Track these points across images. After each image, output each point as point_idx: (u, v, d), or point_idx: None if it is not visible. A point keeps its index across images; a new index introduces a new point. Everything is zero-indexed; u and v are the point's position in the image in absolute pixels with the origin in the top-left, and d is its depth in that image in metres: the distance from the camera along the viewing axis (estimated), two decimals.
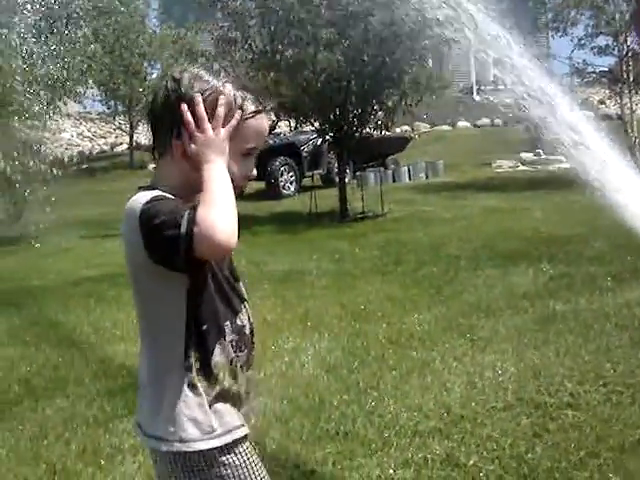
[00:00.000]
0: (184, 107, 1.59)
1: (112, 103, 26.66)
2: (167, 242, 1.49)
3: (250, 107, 1.66)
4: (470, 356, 4.60)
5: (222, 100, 1.61)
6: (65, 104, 18.31)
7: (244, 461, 1.66)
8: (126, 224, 1.60)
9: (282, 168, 16.05)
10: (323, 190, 14.41)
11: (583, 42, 17.26)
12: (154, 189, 1.62)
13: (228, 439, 1.64)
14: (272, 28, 11.74)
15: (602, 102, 26.28)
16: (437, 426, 3.56)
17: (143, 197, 1.58)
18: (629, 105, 16.71)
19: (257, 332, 1.80)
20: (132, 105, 25.35)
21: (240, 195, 1.63)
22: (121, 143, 28.97)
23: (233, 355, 1.68)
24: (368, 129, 12.56)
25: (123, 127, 26.74)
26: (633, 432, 3.31)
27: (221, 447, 1.63)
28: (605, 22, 16.55)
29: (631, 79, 16.61)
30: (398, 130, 19.48)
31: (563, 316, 5.26)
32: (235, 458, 1.65)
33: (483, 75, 29.68)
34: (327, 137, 12.95)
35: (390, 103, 12.24)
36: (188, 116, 1.59)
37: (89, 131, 31.88)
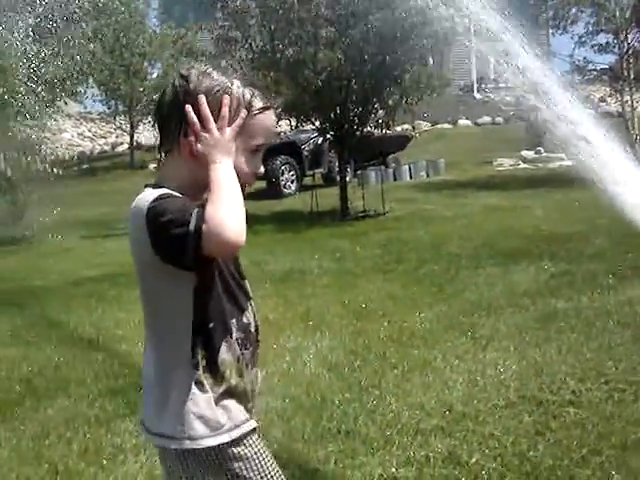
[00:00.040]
0: (188, 108, 1.59)
1: (112, 103, 26.64)
2: (175, 240, 1.50)
3: (258, 103, 1.66)
4: (472, 354, 4.60)
5: (227, 100, 1.61)
6: (66, 104, 18.32)
7: (255, 452, 1.68)
8: (133, 222, 1.60)
9: (283, 167, 16.04)
10: (324, 189, 14.42)
11: (584, 40, 17.25)
12: (160, 187, 1.62)
13: (236, 434, 1.65)
14: (272, 27, 11.74)
15: (603, 100, 26.25)
16: (439, 424, 3.56)
17: (150, 195, 1.58)
18: (630, 102, 16.69)
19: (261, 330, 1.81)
20: (132, 105, 25.35)
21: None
22: (122, 143, 28.95)
23: (239, 353, 1.68)
24: (369, 128, 12.55)
25: (124, 127, 26.73)
26: (635, 429, 3.30)
27: (230, 442, 1.64)
28: (605, 19, 16.53)
29: (632, 76, 16.59)
30: (399, 129, 19.44)
31: (564, 314, 5.26)
32: (246, 450, 1.66)
33: (484, 73, 29.66)
34: (328, 136, 12.96)
35: (391, 102, 12.24)
36: (193, 116, 1.59)
37: (90, 131, 31.88)
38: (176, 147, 1.64)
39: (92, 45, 19.18)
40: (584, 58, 17.41)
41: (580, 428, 3.38)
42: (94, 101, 26.66)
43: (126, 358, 5.19)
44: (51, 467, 3.53)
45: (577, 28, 17.32)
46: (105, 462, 3.52)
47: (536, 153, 19.00)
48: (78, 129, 31.60)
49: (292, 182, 16.45)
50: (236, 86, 1.64)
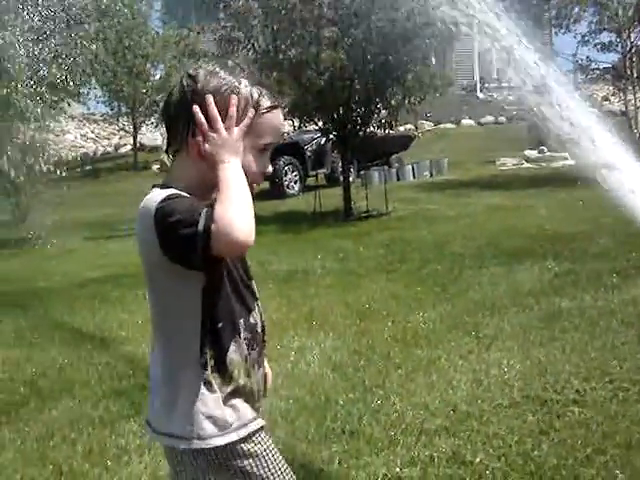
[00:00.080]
0: (196, 108, 1.58)
1: (115, 104, 26.72)
2: (184, 240, 1.50)
3: (266, 102, 1.66)
4: (476, 354, 4.59)
5: (235, 99, 1.61)
6: (69, 105, 18.35)
7: (264, 450, 1.69)
8: (141, 223, 1.60)
9: (286, 167, 16.06)
10: (327, 189, 14.43)
11: (587, 39, 17.24)
12: (168, 187, 1.62)
13: (245, 432, 1.65)
14: (275, 28, 11.74)
15: (606, 99, 26.23)
16: (443, 424, 3.55)
17: (158, 195, 1.58)
18: (633, 101, 16.68)
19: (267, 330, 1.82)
20: (135, 106, 25.42)
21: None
22: (125, 144, 29.02)
23: (247, 352, 1.69)
24: (372, 128, 12.55)
25: (127, 128, 26.80)
26: (639, 429, 3.30)
27: (239, 440, 1.64)
28: (608, 18, 16.52)
29: (635, 75, 16.58)
30: (402, 129, 19.44)
31: (568, 313, 5.25)
32: (256, 448, 1.67)
33: (487, 73, 29.66)
34: (331, 136, 12.95)
35: (393, 102, 12.23)
36: (201, 116, 1.59)
37: (93, 132, 31.96)
38: (184, 147, 1.64)
39: (95, 47, 19.20)
40: (587, 57, 17.41)
41: (584, 427, 3.37)
42: (97, 102, 26.81)
43: (130, 359, 5.20)
44: (55, 468, 3.54)
45: (580, 27, 17.33)
46: (109, 463, 3.53)
47: (539, 152, 18.98)
48: (81, 130, 31.69)
49: (295, 182, 16.46)
50: (244, 85, 1.64)
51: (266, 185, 15.26)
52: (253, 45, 12.00)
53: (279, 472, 1.70)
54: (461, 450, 3.26)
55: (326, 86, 11.63)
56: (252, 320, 1.73)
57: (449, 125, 27.01)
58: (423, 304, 6.01)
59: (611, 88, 20.16)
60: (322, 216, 12.18)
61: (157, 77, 25.74)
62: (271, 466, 1.69)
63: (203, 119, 1.59)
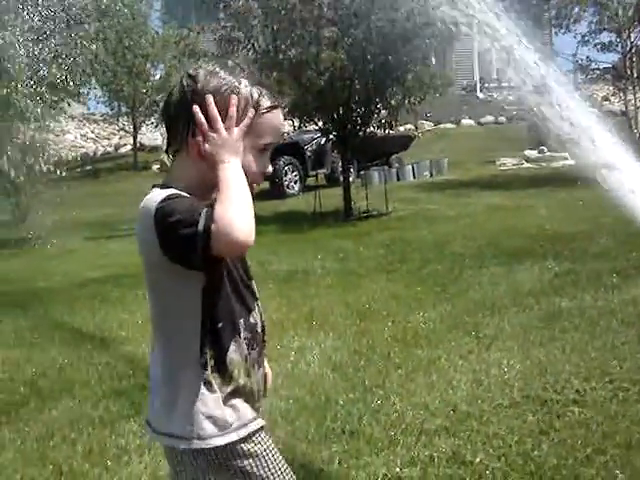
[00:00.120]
0: (196, 108, 1.58)
1: (115, 104, 26.72)
2: (184, 240, 1.50)
3: (266, 102, 1.66)
4: (476, 354, 4.59)
5: (235, 99, 1.61)
6: (69, 105, 18.36)
7: (264, 449, 1.69)
8: (141, 223, 1.60)
9: (286, 167, 16.07)
10: (327, 189, 14.43)
11: (587, 39, 17.24)
12: (168, 187, 1.62)
13: (244, 432, 1.65)
14: (275, 28, 11.75)
15: (606, 99, 26.24)
16: (443, 424, 3.55)
17: (158, 195, 1.58)
18: (633, 101, 16.68)
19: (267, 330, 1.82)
20: (135, 106, 25.42)
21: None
22: (125, 144, 29.02)
23: (247, 352, 1.69)
24: (372, 128, 12.56)
25: (127, 128, 26.80)
26: (639, 429, 3.30)
27: (239, 440, 1.64)
28: (608, 18, 16.53)
29: (635, 75, 16.59)
30: (402, 129, 19.45)
31: (569, 313, 5.25)
32: (256, 447, 1.67)
33: (487, 73, 29.67)
34: (331, 136, 12.95)
35: (393, 102, 12.24)
36: (201, 117, 1.59)
37: (93, 132, 31.96)
38: (184, 147, 1.64)
39: (95, 47, 19.21)
40: (587, 57, 17.42)
41: (584, 427, 3.37)
42: (97, 102, 26.84)
43: (130, 359, 5.20)
44: (55, 468, 3.54)
45: (580, 27, 17.34)
46: (109, 463, 3.53)
47: (539, 152, 18.99)
48: (81, 130, 31.69)
49: (295, 182, 16.47)
50: (244, 85, 1.64)
51: (266, 185, 15.27)
52: (253, 45, 12.00)
53: (279, 472, 1.70)
54: (461, 450, 3.25)
55: (326, 86, 11.63)
56: (252, 320, 1.73)
57: (449, 125, 27.02)
58: (423, 304, 6.01)
59: (611, 88, 20.19)
60: (322, 216, 12.18)
61: (157, 77, 25.74)
62: (271, 466, 1.69)
63: (203, 119, 1.58)
